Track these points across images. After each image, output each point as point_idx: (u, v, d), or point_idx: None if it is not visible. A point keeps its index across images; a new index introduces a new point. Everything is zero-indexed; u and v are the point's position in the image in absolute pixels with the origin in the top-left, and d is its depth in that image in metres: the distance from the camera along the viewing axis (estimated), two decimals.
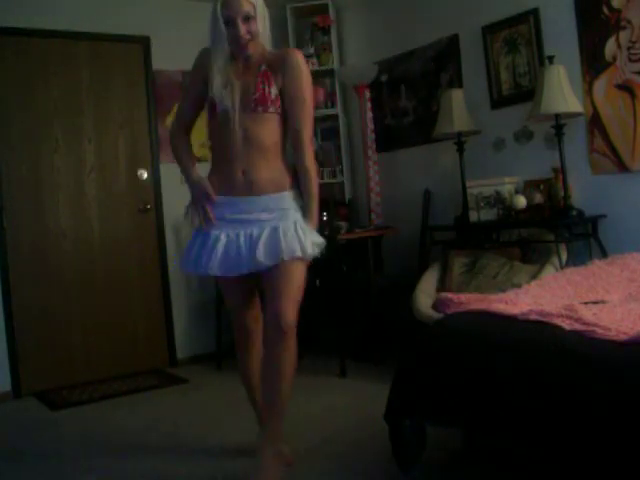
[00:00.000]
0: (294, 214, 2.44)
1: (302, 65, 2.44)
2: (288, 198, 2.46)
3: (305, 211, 2.45)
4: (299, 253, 2.37)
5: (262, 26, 2.37)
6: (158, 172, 4.80)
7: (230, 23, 2.32)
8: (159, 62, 4.81)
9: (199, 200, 2.46)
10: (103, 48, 4.63)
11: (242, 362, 2.74)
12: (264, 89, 2.38)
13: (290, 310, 2.36)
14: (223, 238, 2.42)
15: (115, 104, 4.68)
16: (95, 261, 4.57)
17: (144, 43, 4.78)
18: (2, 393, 4.16)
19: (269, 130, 2.41)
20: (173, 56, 4.76)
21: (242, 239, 2.40)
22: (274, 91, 2.40)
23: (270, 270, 2.39)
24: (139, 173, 4.76)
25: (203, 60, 2.44)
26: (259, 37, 2.37)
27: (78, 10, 4.51)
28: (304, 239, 2.39)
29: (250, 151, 2.39)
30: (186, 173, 2.54)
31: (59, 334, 4.41)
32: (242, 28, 2.31)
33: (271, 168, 2.43)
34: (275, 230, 2.39)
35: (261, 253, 2.36)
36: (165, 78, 4.84)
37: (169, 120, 4.84)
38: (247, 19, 2.31)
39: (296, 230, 2.40)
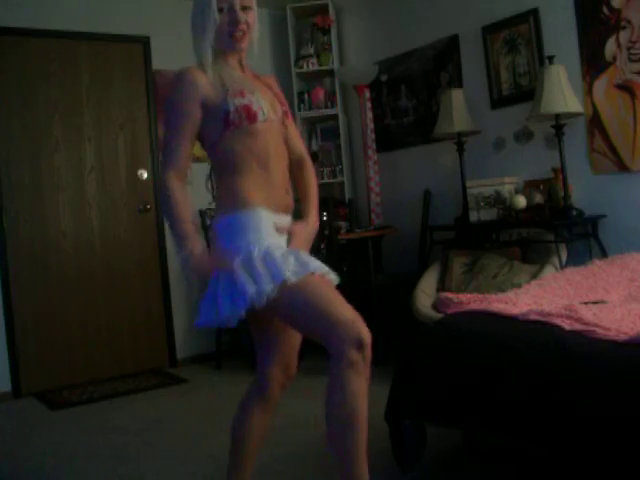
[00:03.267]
0: None
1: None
2: None
3: (305, 220, 2.14)
4: None
5: (255, 29, 2.03)
6: (158, 172, 4.79)
7: (226, 9, 1.94)
8: (159, 62, 4.81)
9: (194, 270, 1.90)
10: (103, 48, 4.63)
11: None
12: (284, 104, 2.11)
13: None
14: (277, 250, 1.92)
15: (115, 104, 4.68)
16: (95, 261, 4.57)
17: (144, 43, 4.78)
18: (2, 393, 4.16)
19: (285, 146, 2.11)
20: (173, 56, 4.75)
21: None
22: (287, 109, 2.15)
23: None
24: (139, 173, 4.76)
25: (197, 79, 1.94)
26: (252, 35, 2.02)
27: (78, 10, 4.51)
28: None
29: (283, 165, 2.06)
30: (185, 237, 1.90)
31: (59, 334, 4.41)
32: (241, 15, 1.96)
33: (290, 184, 2.15)
34: None
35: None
36: (165, 78, 4.84)
37: (165, 122, 4.83)
38: (245, 9, 1.98)
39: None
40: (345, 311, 1.85)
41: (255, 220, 1.92)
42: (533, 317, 2.23)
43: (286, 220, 2.03)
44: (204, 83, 1.93)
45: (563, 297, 2.57)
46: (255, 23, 2.01)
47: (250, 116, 1.92)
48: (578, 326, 2.11)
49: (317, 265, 1.89)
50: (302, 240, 2.07)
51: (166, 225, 4.74)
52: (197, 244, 1.90)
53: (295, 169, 2.17)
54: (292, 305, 1.84)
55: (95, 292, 4.55)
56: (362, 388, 1.93)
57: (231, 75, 1.98)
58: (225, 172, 1.99)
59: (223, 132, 1.94)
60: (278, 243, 1.95)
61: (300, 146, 2.18)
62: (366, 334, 1.87)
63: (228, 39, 1.96)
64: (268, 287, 1.80)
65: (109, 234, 4.63)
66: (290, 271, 1.82)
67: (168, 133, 1.99)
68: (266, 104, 1.98)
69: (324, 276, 1.90)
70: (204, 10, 1.95)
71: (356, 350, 1.87)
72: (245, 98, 1.93)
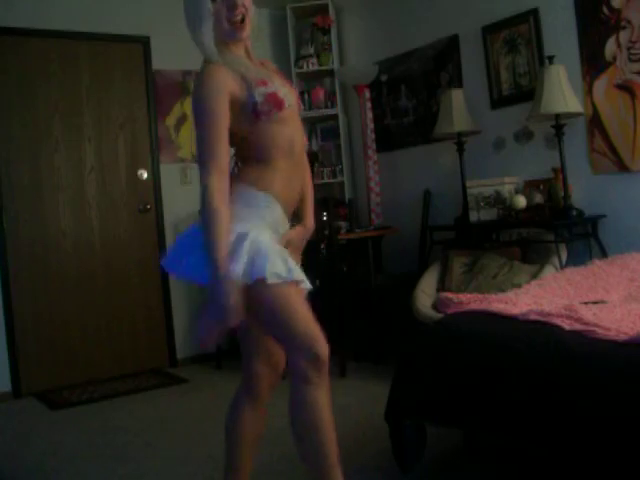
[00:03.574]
0: None
1: None
2: None
3: (303, 223, 2.12)
4: None
5: (252, 12, 1.93)
6: (158, 172, 4.80)
7: None
8: (159, 62, 4.81)
9: (228, 309, 1.73)
10: (103, 48, 4.63)
11: None
12: (296, 90, 2.05)
13: None
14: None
15: (115, 104, 4.68)
16: (95, 261, 4.57)
17: (144, 43, 4.78)
18: (2, 393, 4.16)
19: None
20: (173, 56, 4.76)
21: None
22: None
23: None
24: (139, 173, 4.76)
25: (222, 74, 1.84)
26: (251, 19, 1.92)
27: (78, 10, 4.51)
28: None
29: (302, 152, 2.00)
30: (220, 254, 1.73)
31: (59, 334, 4.41)
32: None
33: None
34: None
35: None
36: (165, 78, 4.84)
37: (169, 120, 4.85)
38: None
39: None
40: (306, 325, 1.81)
41: (267, 208, 1.89)
42: (533, 317, 2.23)
43: (284, 219, 1.97)
44: (229, 77, 1.84)
45: (563, 297, 2.57)
46: (251, 6, 1.91)
47: (278, 104, 1.86)
48: (578, 326, 2.11)
49: (298, 274, 1.84)
50: (299, 246, 2.07)
51: (166, 224, 4.77)
52: (225, 260, 1.73)
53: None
54: (260, 305, 1.81)
55: (95, 292, 4.55)
56: (320, 401, 1.83)
57: (244, 65, 1.91)
58: (251, 161, 1.93)
59: (254, 124, 1.87)
60: (277, 238, 1.92)
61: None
62: (322, 350, 1.80)
63: (229, 27, 1.87)
64: (239, 271, 1.74)
65: (109, 234, 4.63)
66: (273, 272, 1.77)
67: (204, 133, 1.82)
68: (286, 90, 1.92)
69: (299, 285, 1.85)
70: (196, 1, 1.86)
71: (312, 365, 1.80)
72: (268, 86, 1.87)
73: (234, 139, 1.89)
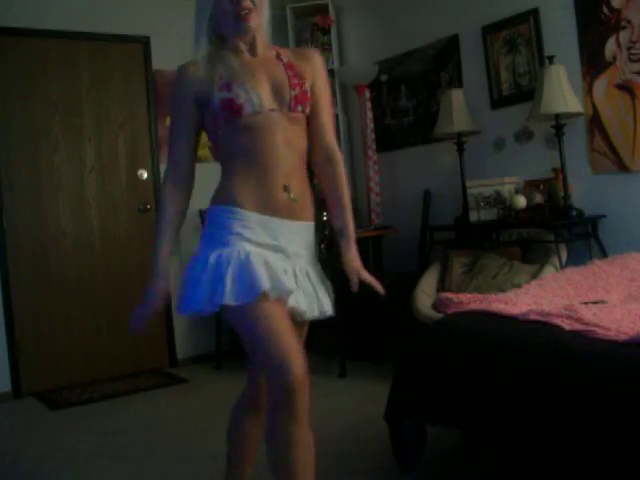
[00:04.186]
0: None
1: (325, 69, 1.96)
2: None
3: (345, 234, 1.94)
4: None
5: (265, 10, 1.84)
6: (158, 172, 4.79)
7: None
8: (159, 62, 4.81)
9: (152, 303, 1.89)
10: (103, 48, 4.63)
11: None
12: (300, 84, 1.84)
13: None
14: (259, 256, 1.75)
15: (115, 104, 4.68)
16: (95, 261, 4.57)
17: (144, 43, 4.78)
18: (2, 393, 4.16)
19: (303, 136, 1.89)
20: (173, 56, 4.73)
21: (297, 272, 1.84)
22: (308, 88, 1.87)
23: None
24: (139, 173, 4.76)
25: (188, 75, 1.82)
26: (261, 13, 1.81)
27: (78, 10, 4.51)
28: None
29: (291, 161, 1.82)
30: (156, 252, 1.84)
31: (59, 334, 4.41)
32: None
33: (307, 185, 1.88)
34: (319, 272, 1.93)
35: (327, 300, 1.92)
36: (165, 78, 4.84)
37: (169, 120, 4.84)
38: None
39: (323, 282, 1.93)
40: (283, 347, 1.67)
41: (235, 218, 1.77)
42: (533, 317, 2.23)
43: (291, 225, 1.82)
44: (195, 79, 1.80)
45: (563, 297, 2.57)
46: (265, 5, 1.82)
47: (234, 110, 1.75)
48: (578, 326, 2.11)
49: (286, 287, 1.74)
50: (351, 262, 1.93)
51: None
52: (162, 260, 1.83)
53: (321, 164, 1.95)
54: (237, 320, 1.75)
55: (95, 292, 4.55)
56: (294, 436, 1.69)
57: (230, 65, 1.80)
58: (222, 168, 1.87)
59: (215, 128, 1.82)
60: (260, 251, 1.76)
61: (329, 137, 1.94)
62: (296, 376, 1.65)
63: (234, 21, 1.77)
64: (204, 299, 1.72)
65: (109, 234, 4.63)
66: (230, 296, 1.68)
67: (169, 132, 1.91)
68: (262, 93, 1.78)
69: (281, 299, 1.73)
70: None
71: (284, 392, 1.65)
72: (231, 91, 1.76)
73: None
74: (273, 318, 1.70)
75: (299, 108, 1.83)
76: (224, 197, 1.81)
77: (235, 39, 1.82)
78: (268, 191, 1.78)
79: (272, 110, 1.79)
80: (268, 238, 1.78)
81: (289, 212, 1.80)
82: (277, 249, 1.79)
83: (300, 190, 1.83)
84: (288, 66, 1.85)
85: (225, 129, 1.80)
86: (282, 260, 1.78)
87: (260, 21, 1.80)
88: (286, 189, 1.79)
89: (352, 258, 1.93)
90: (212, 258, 1.73)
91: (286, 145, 1.80)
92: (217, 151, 1.87)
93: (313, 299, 1.85)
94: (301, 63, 1.88)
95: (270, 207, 1.78)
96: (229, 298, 1.68)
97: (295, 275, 1.81)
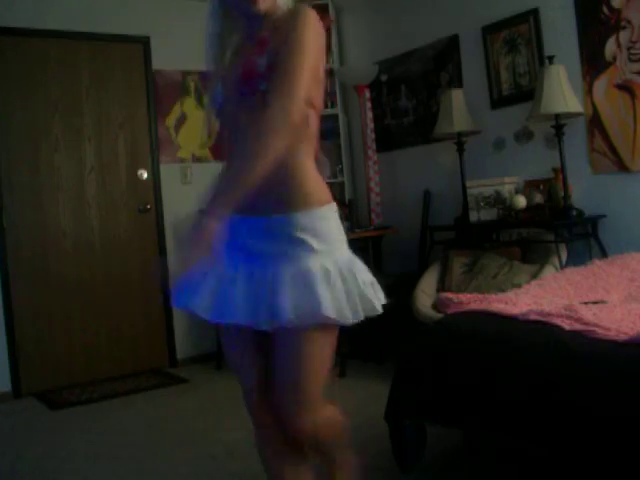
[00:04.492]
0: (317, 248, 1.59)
1: (310, 21, 1.64)
2: (302, 221, 1.59)
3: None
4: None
5: None
6: (158, 172, 4.80)
7: None
8: (159, 62, 4.81)
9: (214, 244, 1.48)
10: (103, 48, 4.63)
11: None
12: (254, 60, 1.59)
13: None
14: (239, 275, 1.59)
15: (115, 104, 4.68)
16: (95, 261, 4.57)
17: (144, 43, 4.78)
18: (2, 393, 4.16)
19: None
20: (173, 56, 4.76)
21: (259, 277, 1.58)
22: (265, 61, 1.58)
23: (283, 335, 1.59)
24: (139, 173, 4.76)
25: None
26: None
27: (78, 10, 4.51)
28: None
29: (250, 149, 1.53)
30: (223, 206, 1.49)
31: (59, 334, 4.41)
32: None
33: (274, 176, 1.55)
34: (298, 271, 1.56)
35: (286, 304, 1.52)
36: (165, 78, 4.84)
37: (169, 120, 4.85)
38: None
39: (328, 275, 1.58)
40: (311, 395, 1.58)
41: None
42: (533, 317, 2.23)
43: (254, 223, 1.60)
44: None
45: (563, 297, 2.57)
46: None
47: (215, 106, 1.69)
48: (578, 326, 2.11)
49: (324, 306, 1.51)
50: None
51: (166, 224, 4.75)
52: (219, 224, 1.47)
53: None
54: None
55: (95, 292, 4.55)
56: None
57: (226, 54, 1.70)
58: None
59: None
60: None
61: (272, 99, 1.53)
62: (306, 430, 1.59)
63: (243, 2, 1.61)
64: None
65: (109, 234, 4.63)
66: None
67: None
68: (223, 83, 1.65)
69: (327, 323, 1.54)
70: None
71: (299, 439, 1.62)
72: (210, 88, 1.69)
73: None
74: (230, 344, 1.71)
75: (256, 89, 1.59)
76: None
77: (248, 19, 1.66)
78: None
79: (230, 99, 1.68)
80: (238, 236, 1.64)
81: (247, 205, 1.55)
82: (242, 248, 1.62)
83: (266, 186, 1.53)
84: (261, 41, 1.62)
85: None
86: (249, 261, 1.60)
87: (271, 2, 1.63)
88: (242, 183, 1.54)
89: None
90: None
91: (244, 131, 1.61)
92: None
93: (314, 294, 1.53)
94: (280, 28, 1.62)
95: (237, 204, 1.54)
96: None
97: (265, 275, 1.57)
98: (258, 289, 1.55)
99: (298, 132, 1.58)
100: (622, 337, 1.99)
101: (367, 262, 1.75)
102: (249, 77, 1.57)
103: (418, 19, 4.64)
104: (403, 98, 4.82)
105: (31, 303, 4.32)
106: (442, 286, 3.88)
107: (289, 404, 1.61)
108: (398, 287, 4.32)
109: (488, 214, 3.92)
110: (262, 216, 1.59)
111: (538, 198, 3.77)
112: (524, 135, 4.03)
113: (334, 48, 5.08)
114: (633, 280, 2.80)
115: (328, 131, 5.24)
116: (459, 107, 4.11)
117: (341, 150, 5.12)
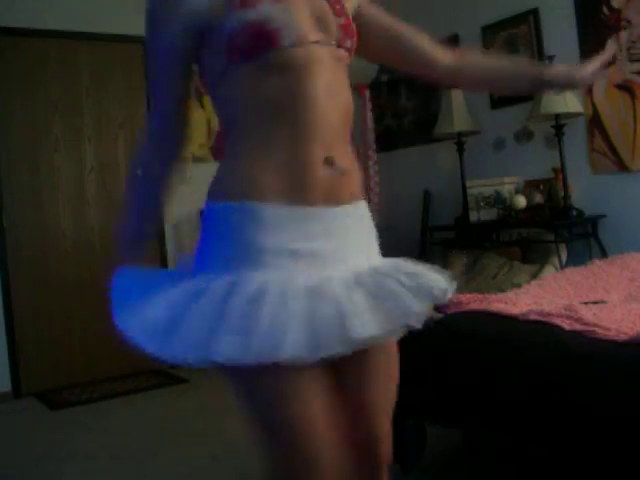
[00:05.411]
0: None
1: None
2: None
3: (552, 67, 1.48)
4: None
5: None
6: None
7: None
8: None
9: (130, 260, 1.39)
10: (103, 48, 4.63)
11: None
12: (343, 10, 1.30)
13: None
14: (276, 287, 1.15)
15: (115, 104, 4.68)
16: (95, 261, 4.56)
17: (144, 43, 4.77)
18: (2, 393, 4.16)
19: (348, 84, 1.31)
20: None
21: (336, 287, 1.20)
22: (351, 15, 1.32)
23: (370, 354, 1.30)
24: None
25: None
26: None
27: (78, 10, 4.51)
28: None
29: (336, 120, 1.25)
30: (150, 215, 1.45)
31: (59, 334, 4.40)
32: None
33: (352, 153, 1.33)
34: (377, 273, 1.35)
35: (367, 317, 1.19)
36: None
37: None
38: None
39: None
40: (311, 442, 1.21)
41: (249, 224, 1.19)
42: (533, 317, 2.23)
43: (343, 215, 1.27)
44: None
45: (563, 297, 2.57)
46: None
47: (262, 40, 1.17)
48: (578, 326, 2.11)
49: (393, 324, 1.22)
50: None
51: (166, 224, 4.75)
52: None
53: (450, 65, 1.52)
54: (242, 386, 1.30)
55: (95, 292, 4.52)
56: None
57: None
58: (230, 134, 1.26)
59: (225, 68, 1.22)
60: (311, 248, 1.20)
61: (425, 37, 1.40)
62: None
63: None
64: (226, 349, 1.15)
65: (109, 234, 4.62)
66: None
67: (149, 76, 1.36)
68: (302, 18, 1.21)
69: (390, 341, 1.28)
70: None
71: None
72: (255, 10, 1.17)
73: (205, 91, 1.33)
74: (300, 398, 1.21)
75: (347, 43, 1.29)
76: (236, 185, 1.22)
77: None
78: (302, 169, 1.20)
79: (316, 42, 1.22)
80: (299, 239, 1.20)
81: (334, 195, 1.24)
82: (311, 254, 1.21)
83: (352, 165, 1.32)
84: None
85: (238, 72, 1.20)
86: (315, 267, 1.21)
87: None
88: (328, 162, 1.23)
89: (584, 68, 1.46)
90: (218, 286, 1.17)
91: (332, 94, 1.23)
92: (220, 110, 1.29)
93: (388, 307, 1.27)
94: None
95: (310, 188, 1.21)
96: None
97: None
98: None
99: None
100: (622, 337, 1.99)
101: None
102: (352, 34, 1.30)
103: (417, 19, 4.62)
104: (403, 98, 4.83)
105: (31, 303, 4.32)
106: None
107: (388, 431, 1.38)
108: None
109: (488, 214, 3.92)
110: (350, 202, 1.31)
111: (538, 198, 3.77)
112: (524, 135, 4.03)
113: None
114: (633, 280, 2.80)
115: None
116: (459, 107, 4.11)
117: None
